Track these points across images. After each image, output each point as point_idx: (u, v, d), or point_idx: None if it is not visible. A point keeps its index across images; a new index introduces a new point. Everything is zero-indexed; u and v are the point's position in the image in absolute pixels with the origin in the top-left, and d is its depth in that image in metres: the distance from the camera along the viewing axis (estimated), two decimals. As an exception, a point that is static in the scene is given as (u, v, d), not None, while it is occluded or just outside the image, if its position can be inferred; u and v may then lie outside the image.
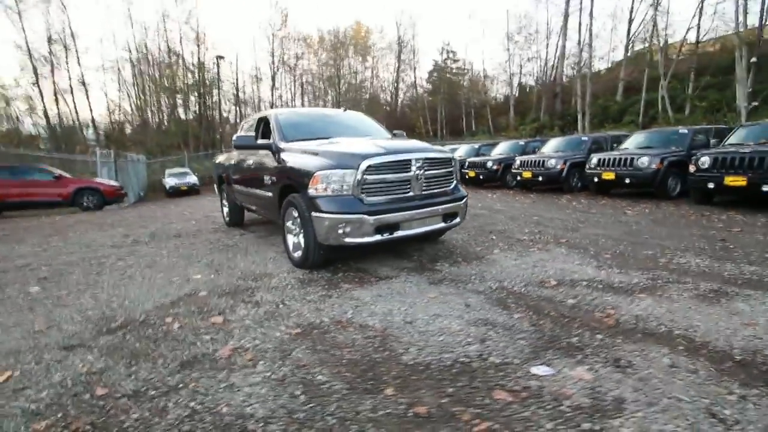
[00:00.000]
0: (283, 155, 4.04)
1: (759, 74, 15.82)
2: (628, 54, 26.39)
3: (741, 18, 16.74)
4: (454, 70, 42.11)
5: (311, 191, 3.37)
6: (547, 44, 33.51)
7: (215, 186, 7.29)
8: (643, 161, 7.46)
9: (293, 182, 3.69)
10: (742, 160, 5.76)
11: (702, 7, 20.47)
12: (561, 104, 29.76)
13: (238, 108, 36.18)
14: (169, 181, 18.78)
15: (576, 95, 26.03)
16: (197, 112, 33.16)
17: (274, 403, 1.68)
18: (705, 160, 6.26)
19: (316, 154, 3.62)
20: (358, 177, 3.25)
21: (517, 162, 10.45)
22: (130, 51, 33.07)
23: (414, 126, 37.99)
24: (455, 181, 3.97)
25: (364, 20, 54.09)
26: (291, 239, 3.95)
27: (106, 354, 2.21)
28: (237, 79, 35.78)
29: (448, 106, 38.75)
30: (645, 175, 7.41)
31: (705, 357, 1.93)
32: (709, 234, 4.58)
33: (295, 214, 3.72)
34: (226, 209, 6.65)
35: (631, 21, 25.34)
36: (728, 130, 7.70)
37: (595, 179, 8.29)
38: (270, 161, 4.32)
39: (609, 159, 8.11)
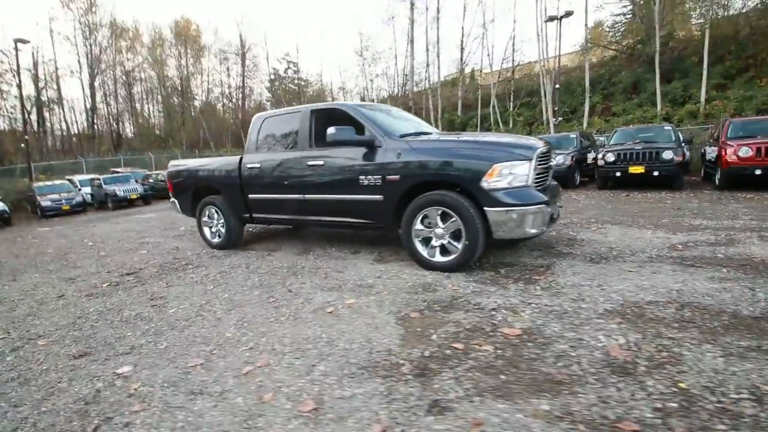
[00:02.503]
0: (402, 151, 3.61)
1: (560, 96, 21.74)
2: (462, 76, 32.02)
3: (543, 54, 22.70)
4: (295, 81, 42.06)
5: (485, 184, 3.19)
6: (396, 62, 37.41)
7: (176, 202, 5.57)
8: (560, 159, 9.44)
9: (450, 178, 3.36)
10: (638, 154, 8.06)
11: (514, 43, 26.88)
12: (415, 115, 33.66)
13: (41, 111, 27.06)
14: (-46, 211, 12.92)
15: (427, 108, 30.15)
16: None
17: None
18: (610, 156, 8.43)
19: (472, 147, 3.48)
20: (533, 167, 3.27)
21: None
22: None
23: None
24: None
25: (194, 17, 48.71)
26: (420, 244, 3.59)
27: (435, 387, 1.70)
28: (37, 74, 26.83)
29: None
30: (563, 169, 9.39)
31: None
32: (659, 206, 6.29)
33: (437, 213, 3.43)
34: (212, 228, 5.26)
35: (462, 49, 30.89)
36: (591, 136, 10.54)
37: (522, 175, 9.98)
38: (364, 160, 3.78)
39: (531, 158, 9.92)
